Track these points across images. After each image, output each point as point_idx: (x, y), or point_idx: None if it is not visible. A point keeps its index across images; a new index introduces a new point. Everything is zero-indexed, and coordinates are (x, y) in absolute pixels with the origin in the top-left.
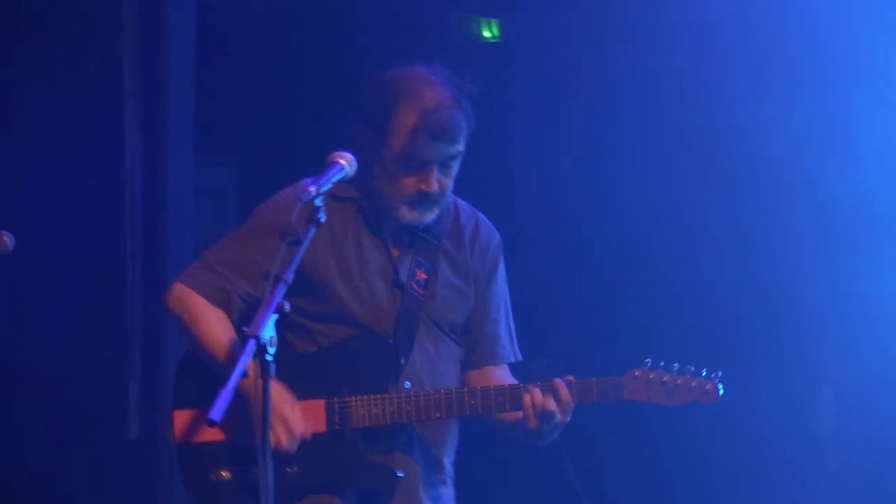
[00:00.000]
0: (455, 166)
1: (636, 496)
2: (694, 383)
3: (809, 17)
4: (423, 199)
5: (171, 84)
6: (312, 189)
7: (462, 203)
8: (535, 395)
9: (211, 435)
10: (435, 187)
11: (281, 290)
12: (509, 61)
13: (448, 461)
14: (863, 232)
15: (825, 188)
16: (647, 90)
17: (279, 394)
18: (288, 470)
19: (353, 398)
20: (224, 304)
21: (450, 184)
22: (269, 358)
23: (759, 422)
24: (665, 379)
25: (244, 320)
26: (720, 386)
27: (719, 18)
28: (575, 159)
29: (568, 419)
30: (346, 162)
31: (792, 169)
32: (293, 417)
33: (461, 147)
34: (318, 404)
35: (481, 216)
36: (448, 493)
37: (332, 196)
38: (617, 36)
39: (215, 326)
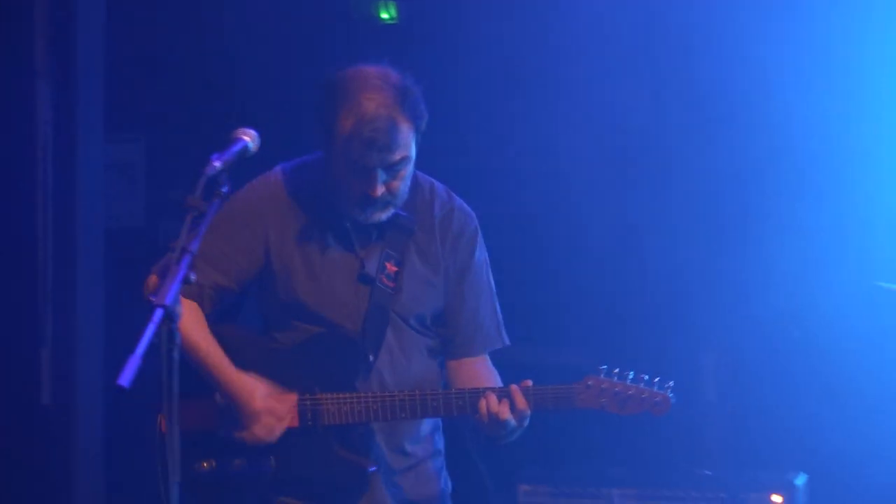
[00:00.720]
0: (403, 168)
1: (531, 463)
2: (645, 395)
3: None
4: (370, 202)
5: (82, 61)
6: (217, 164)
7: (440, 190)
8: (491, 401)
9: (194, 423)
10: (379, 192)
11: (187, 262)
12: (408, 42)
13: (412, 447)
14: (742, 213)
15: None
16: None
17: (261, 389)
18: (270, 462)
19: (325, 396)
20: (195, 296)
21: (400, 185)
22: (174, 327)
23: None
24: (617, 389)
25: (217, 312)
26: (671, 397)
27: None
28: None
29: (526, 423)
30: (249, 138)
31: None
32: (267, 413)
33: (406, 152)
34: (292, 400)
35: (458, 203)
36: (418, 472)
37: (301, 192)
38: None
39: (186, 325)
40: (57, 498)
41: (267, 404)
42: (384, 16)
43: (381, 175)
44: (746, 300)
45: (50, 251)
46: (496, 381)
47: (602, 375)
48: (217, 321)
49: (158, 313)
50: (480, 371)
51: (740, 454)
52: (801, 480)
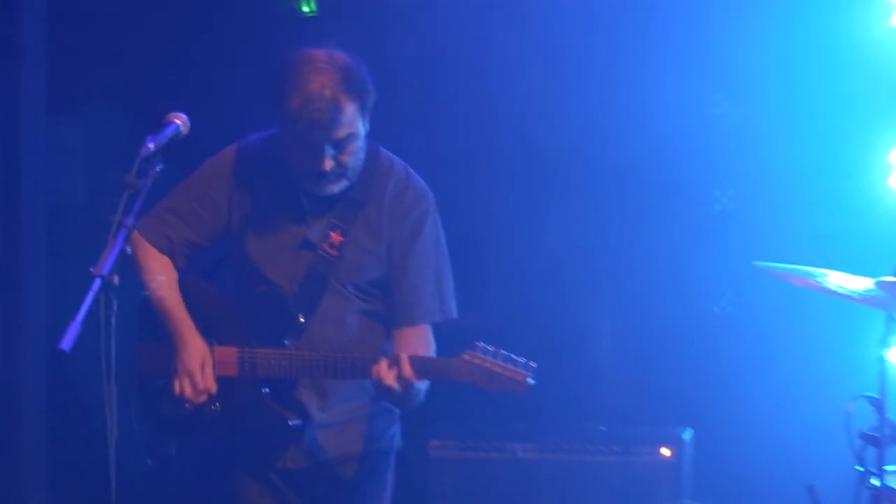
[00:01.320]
0: (350, 144)
1: (442, 419)
2: (508, 373)
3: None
4: (321, 175)
5: (27, 46)
6: (151, 146)
7: (399, 168)
8: (382, 367)
9: (160, 363)
10: (327, 166)
11: (122, 235)
12: (325, 34)
13: (340, 405)
14: (633, 199)
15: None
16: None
17: (195, 350)
18: (212, 407)
19: (261, 350)
20: (168, 251)
21: (349, 159)
22: (112, 295)
23: (543, 351)
24: (487, 365)
25: (189, 266)
26: (530, 381)
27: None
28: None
29: (415, 391)
30: (180, 122)
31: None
32: (201, 374)
33: (351, 129)
34: (233, 351)
35: (414, 182)
36: (343, 431)
37: (261, 163)
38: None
39: (155, 278)
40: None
41: (205, 368)
42: (305, 9)
43: (328, 150)
44: (640, 274)
45: None
46: (428, 352)
47: (478, 352)
48: (195, 275)
49: (97, 283)
50: (414, 340)
51: (633, 411)
52: (687, 435)
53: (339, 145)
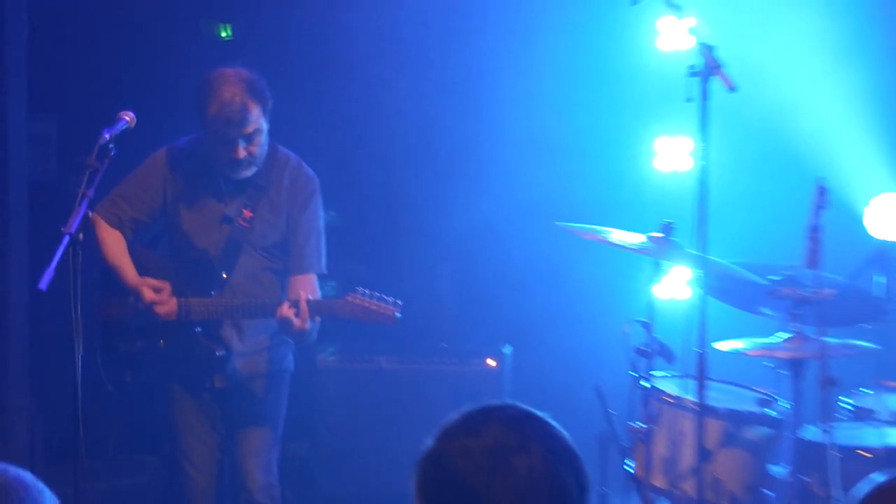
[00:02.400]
0: (257, 137)
1: (328, 340)
2: (381, 310)
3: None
4: (237, 163)
5: (10, 55)
6: (106, 136)
7: (293, 160)
8: (285, 307)
9: (118, 312)
10: (241, 154)
11: (85, 202)
12: (239, 55)
13: (254, 338)
14: (464, 168)
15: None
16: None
17: (143, 283)
18: (160, 342)
19: (194, 299)
20: (118, 226)
21: (257, 150)
22: (78, 249)
23: (400, 289)
24: (365, 304)
25: (136, 238)
26: (397, 315)
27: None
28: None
29: (308, 327)
30: (129, 118)
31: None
32: (157, 300)
33: (257, 125)
34: (174, 300)
35: (305, 170)
36: (256, 357)
37: (188, 159)
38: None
39: (109, 245)
40: None
41: (153, 295)
42: (223, 34)
43: (241, 142)
44: (475, 233)
45: None
46: (315, 295)
47: (358, 295)
48: (139, 246)
49: (66, 239)
50: (303, 285)
51: (467, 332)
52: (507, 350)
53: (249, 138)
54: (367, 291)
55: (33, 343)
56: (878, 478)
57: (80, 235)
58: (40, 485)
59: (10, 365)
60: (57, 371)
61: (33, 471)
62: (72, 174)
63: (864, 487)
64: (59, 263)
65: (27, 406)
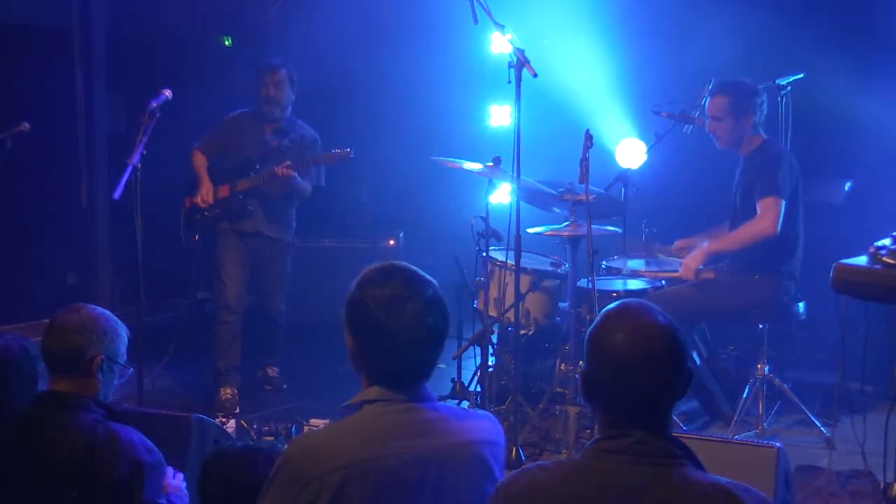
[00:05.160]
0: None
1: None
2: (340, 155)
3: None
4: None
5: (95, 49)
6: (154, 104)
7: (301, 121)
8: (281, 168)
9: (189, 203)
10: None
11: (141, 145)
12: (238, 56)
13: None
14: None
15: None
16: None
17: (207, 182)
18: (216, 211)
19: (240, 182)
20: (204, 151)
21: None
22: (137, 174)
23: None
24: (333, 153)
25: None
26: (351, 154)
27: None
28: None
29: (297, 181)
30: (167, 93)
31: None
32: (206, 191)
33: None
34: (226, 188)
35: (308, 127)
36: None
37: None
38: None
39: (196, 158)
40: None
41: (206, 194)
42: (226, 42)
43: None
44: (382, 161)
45: (83, 145)
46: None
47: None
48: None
49: (129, 168)
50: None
51: (377, 223)
52: (401, 234)
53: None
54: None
55: (112, 231)
56: (617, 303)
57: (139, 165)
58: (115, 317)
59: (98, 245)
60: (129, 246)
61: (113, 310)
62: (133, 129)
63: (609, 307)
64: (126, 182)
65: (109, 270)
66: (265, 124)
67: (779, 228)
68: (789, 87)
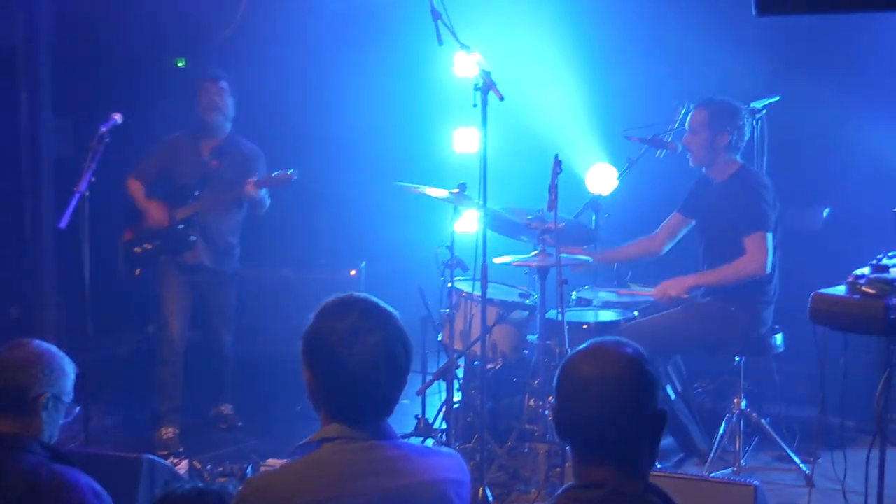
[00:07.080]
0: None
1: None
2: (282, 177)
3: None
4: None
5: (41, 68)
6: (102, 129)
7: (243, 139)
8: (250, 186)
9: (129, 235)
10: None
11: (89, 172)
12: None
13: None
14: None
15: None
16: None
17: (157, 206)
18: (158, 243)
19: (181, 209)
20: (140, 179)
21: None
22: (85, 201)
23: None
24: (274, 175)
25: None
26: (293, 174)
27: None
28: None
29: (260, 198)
30: (117, 118)
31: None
32: (156, 214)
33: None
34: (165, 216)
35: (249, 144)
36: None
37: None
38: None
39: (133, 189)
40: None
41: (157, 213)
42: (180, 64)
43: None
44: (342, 186)
45: (27, 171)
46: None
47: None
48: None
49: (76, 196)
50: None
51: (337, 253)
52: (363, 264)
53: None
54: (274, 172)
55: (58, 262)
56: (590, 341)
57: (87, 193)
58: (62, 353)
59: (43, 276)
60: (75, 277)
61: (58, 346)
62: (82, 156)
63: (582, 346)
64: (73, 210)
65: (55, 303)
66: (203, 144)
67: (769, 267)
68: (765, 111)
